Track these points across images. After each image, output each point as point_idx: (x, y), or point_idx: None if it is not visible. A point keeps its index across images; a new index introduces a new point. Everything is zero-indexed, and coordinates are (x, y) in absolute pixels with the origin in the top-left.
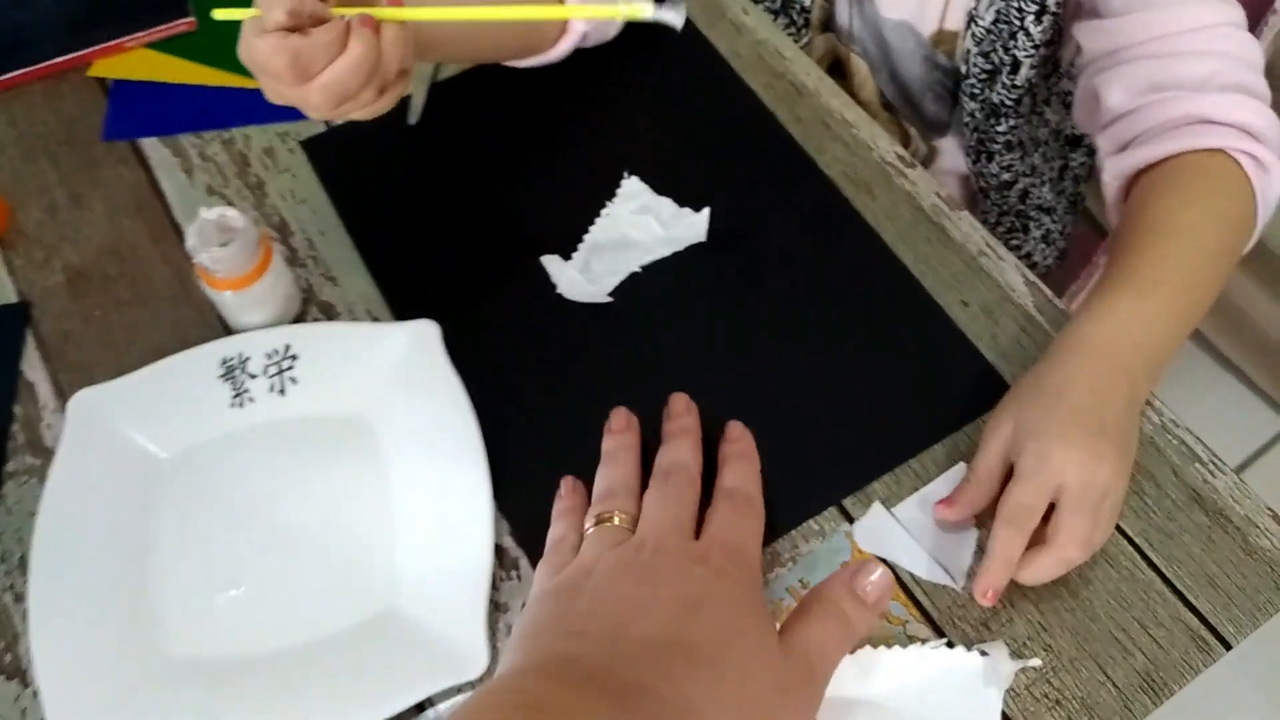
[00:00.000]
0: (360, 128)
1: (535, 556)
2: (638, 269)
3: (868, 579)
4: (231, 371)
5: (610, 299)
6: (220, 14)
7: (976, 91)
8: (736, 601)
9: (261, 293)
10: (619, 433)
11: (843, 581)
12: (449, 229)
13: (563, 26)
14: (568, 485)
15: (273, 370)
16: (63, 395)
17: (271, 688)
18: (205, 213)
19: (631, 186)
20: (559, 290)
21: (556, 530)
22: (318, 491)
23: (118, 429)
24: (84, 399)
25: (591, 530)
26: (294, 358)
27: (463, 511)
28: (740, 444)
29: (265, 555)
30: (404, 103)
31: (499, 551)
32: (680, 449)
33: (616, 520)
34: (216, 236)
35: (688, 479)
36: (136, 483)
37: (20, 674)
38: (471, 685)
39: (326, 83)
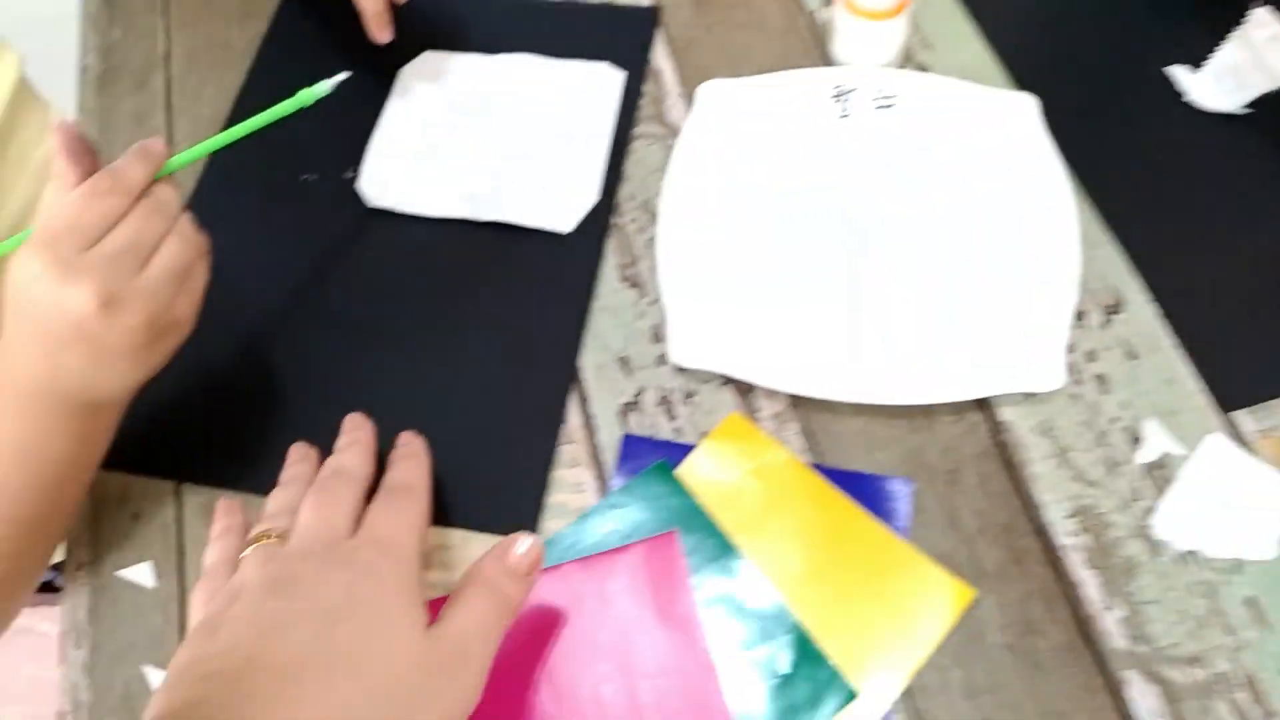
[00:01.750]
0: None
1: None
2: (1275, 88)
3: (518, 552)
4: (842, 95)
5: (1249, 110)
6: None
7: None
8: (382, 600)
9: (889, 31)
10: (294, 464)
11: (495, 558)
12: (1070, 24)
13: None
14: (223, 507)
15: (878, 105)
16: (684, 84)
17: (833, 347)
18: None
19: (1262, 15)
20: (1188, 98)
21: (210, 555)
22: (898, 199)
23: (739, 114)
24: (712, 87)
25: (247, 552)
26: (897, 100)
27: (1046, 257)
28: (408, 447)
29: (846, 237)
30: None
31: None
32: (345, 456)
33: (273, 538)
34: None
35: (348, 481)
36: (745, 159)
37: (640, 285)
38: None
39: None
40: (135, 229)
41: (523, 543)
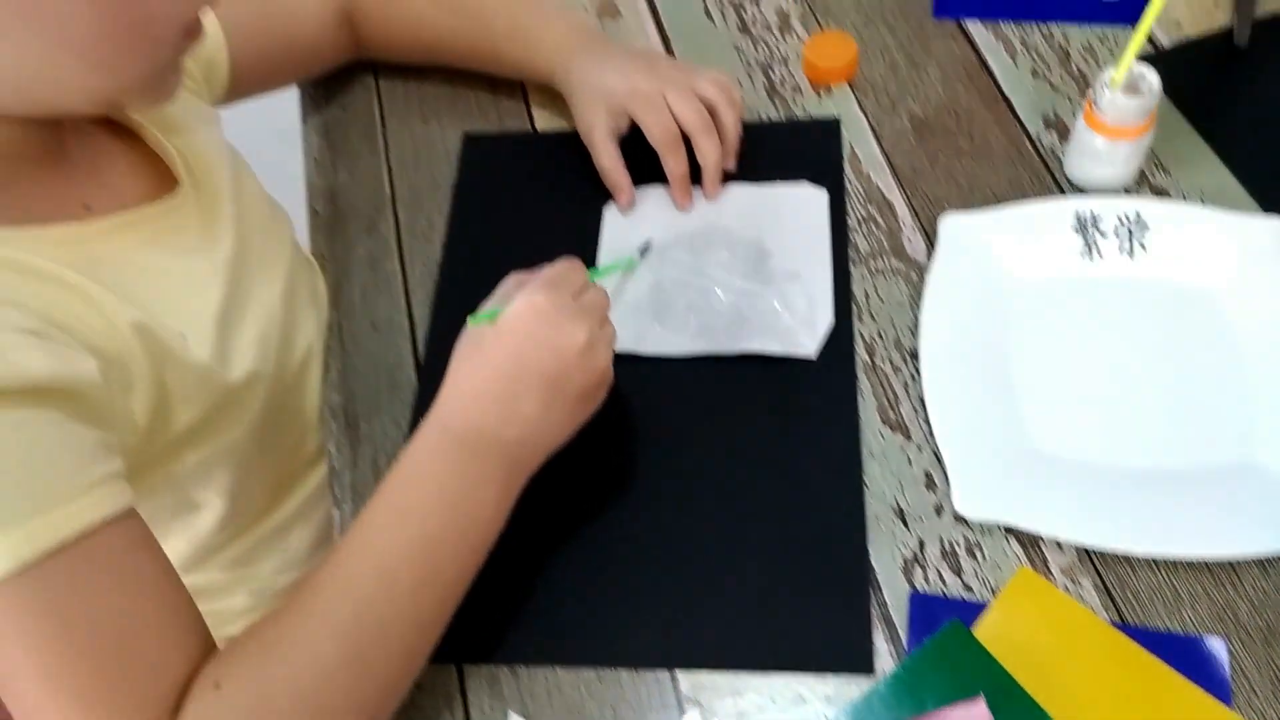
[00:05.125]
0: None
1: None
2: None
3: None
4: (1083, 226)
5: None
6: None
7: None
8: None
9: (1131, 151)
10: None
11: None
12: None
13: None
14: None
15: (1123, 233)
16: (916, 216)
17: (1123, 496)
18: (1125, 68)
19: None
20: None
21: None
22: (1161, 340)
23: (983, 251)
24: (954, 221)
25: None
26: (1144, 227)
27: None
28: None
29: (1114, 383)
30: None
31: None
32: None
33: None
34: (1126, 87)
35: None
36: (997, 298)
37: (903, 429)
38: None
39: None
40: (600, 293)
41: None
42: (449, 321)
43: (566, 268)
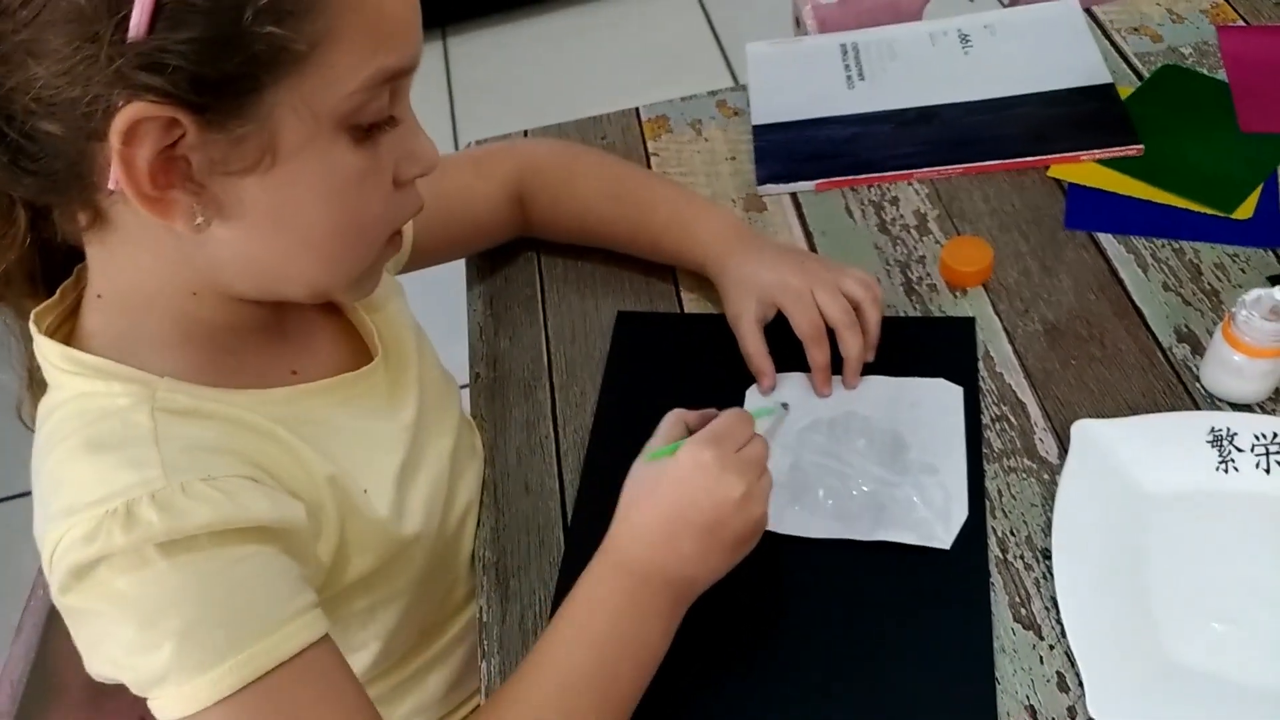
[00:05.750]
0: None
1: None
2: None
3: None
4: (1219, 440)
5: None
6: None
7: None
8: None
9: (1270, 369)
10: None
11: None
12: None
13: None
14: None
15: (1260, 450)
16: (1049, 418)
17: (1256, 715)
18: (1266, 290)
19: None
20: None
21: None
22: None
23: (1116, 458)
24: (1086, 427)
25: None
26: (1274, 446)
27: None
28: None
29: (1250, 600)
30: None
31: None
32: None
33: None
34: (1265, 310)
35: None
36: (1129, 505)
37: (1035, 626)
38: None
39: None
40: (761, 447)
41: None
42: (598, 487)
43: (734, 422)
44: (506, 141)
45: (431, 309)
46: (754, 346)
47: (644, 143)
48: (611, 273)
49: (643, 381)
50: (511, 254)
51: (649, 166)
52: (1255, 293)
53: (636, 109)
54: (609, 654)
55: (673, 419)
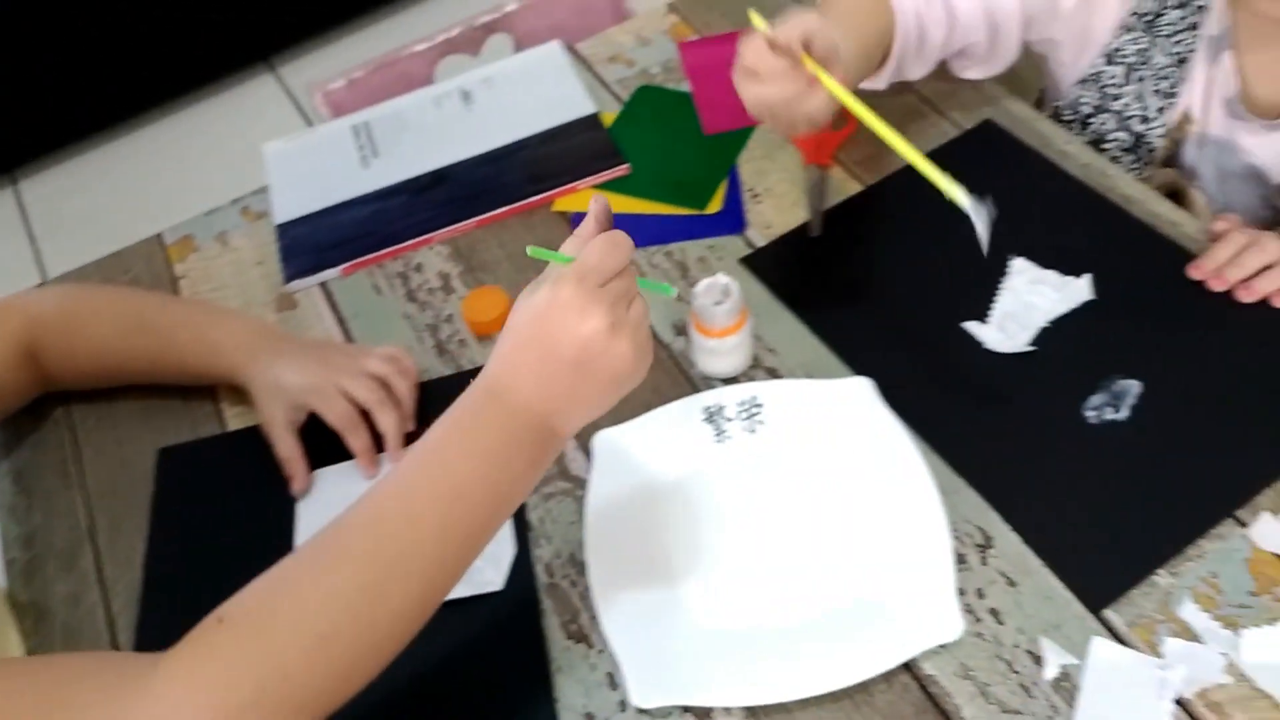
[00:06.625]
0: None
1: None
2: (1046, 324)
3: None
4: (712, 416)
5: (1033, 348)
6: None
7: None
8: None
9: (735, 343)
10: None
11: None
12: (880, 308)
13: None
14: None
15: (744, 415)
16: (576, 437)
17: (770, 652)
18: (711, 279)
19: (1019, 264)
20: (986, 346)
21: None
22: (787, 505)
23: (632, 458)
24: (604, 437)
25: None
26: (759, 406)
27: (918, 519)
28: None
29: (753, 552)
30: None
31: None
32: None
33: None
34: (714, 296)
35: None
36: (650, 498)
37: (585, 638)
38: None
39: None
40: (629, 279)
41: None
42: (157, 644)
43: (603, 253)
44: (6, 297)
45: None
46: (285, 451)
47: (170, 267)
48: (150, 407)
49: (192, 516)
50: (38, 417)
51: (177, 292)
52: (704, 282)
53: (159, 234)
54: (462, 477)
55: (574, 242)
